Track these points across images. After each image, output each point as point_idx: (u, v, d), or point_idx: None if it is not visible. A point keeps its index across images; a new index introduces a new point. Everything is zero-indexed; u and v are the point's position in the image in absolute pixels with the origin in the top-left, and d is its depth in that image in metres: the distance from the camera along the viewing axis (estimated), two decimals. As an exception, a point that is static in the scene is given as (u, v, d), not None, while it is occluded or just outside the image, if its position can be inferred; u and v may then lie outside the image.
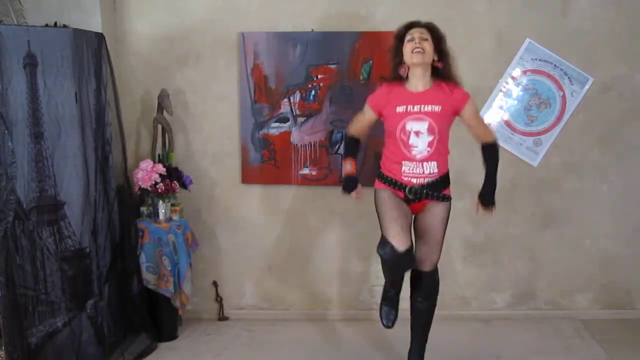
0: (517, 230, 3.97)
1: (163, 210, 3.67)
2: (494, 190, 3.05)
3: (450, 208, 3.08)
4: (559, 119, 3.84)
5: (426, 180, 2.98)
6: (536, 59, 3.77)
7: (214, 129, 3.93)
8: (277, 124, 3.87)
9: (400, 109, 2.96)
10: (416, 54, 2.89)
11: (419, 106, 2.94)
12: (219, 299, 4.08)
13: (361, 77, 3.79)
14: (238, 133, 3.90)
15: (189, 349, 3.66)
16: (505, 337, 3.77)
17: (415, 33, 2.94)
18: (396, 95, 3.01)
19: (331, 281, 4.05)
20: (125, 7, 3.81)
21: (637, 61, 3.77)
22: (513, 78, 3.80)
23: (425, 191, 2.99)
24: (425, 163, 2.97)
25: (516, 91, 3.82)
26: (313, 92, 3.82)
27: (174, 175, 3.70)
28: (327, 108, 3.84)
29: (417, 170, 2.97)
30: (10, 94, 2.87)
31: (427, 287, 3.13)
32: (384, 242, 2.93)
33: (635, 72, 3.78)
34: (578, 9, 3.72)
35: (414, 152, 2.95)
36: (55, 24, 3.41)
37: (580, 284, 4.01)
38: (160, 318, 3.71)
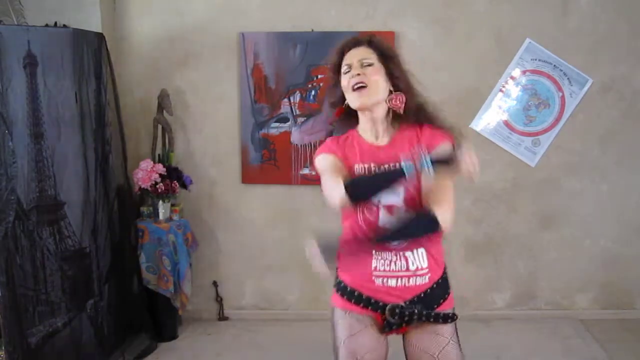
0: (517, 230, 3.97)
1: (163, 210, 3.67)
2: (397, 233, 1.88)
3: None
4: (557, 119, 3.84)
5: (412, 282, 1.90)
6: (536, 60, 3.77)
7: (214, 129, 3.92)
8: (277, 124, 3.87)
9: (359, 169, 1.93)
10: (356, 91, 1.89)
11: (386, 166, 1.90)
12: (219, 299, 4.07)
13: (361, 77, 3.78)
14: (238, 133, 3.90)
15: (189, 349, 3.66)
16: (505, 337, 3.77)
17: (353, 58, 1.93)
18: (351, 147, 1.97)
19: (331, 281, 4.04)
20: (125, 7, 3.81)
21: (637, 61, 3.77)
22: (512, 78, 3.80)
23: (416, 312, 1.89)
24: (408, 253, 1.89)
25: (515, 91, 3.82)
26: (313, 92, 3.82)
27: (174, 175, 3.70)
28: (327, 108, 3.82)
29: (396, 266, 1.89)
30: (10, 94, 2.87)
31: None
32: None
33: (635, 72, 3.78)
34: (578, 9, 3.72)
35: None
36: (55, 24, 3.41)
37: (580, 284, 4.01)
38: (160, 318, 3.71)
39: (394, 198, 1.88)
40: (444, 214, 1.82)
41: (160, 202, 3.66)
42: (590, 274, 4.00)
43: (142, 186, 3.59)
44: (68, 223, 3.13)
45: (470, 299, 4.05)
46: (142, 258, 3.59)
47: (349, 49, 1.97)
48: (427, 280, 1.92)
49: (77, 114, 3.13)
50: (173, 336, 3.79)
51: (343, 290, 1.98)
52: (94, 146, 3.27)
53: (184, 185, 3.75)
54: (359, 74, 1.90)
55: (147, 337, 3.68)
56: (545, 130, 3.84)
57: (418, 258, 1.90)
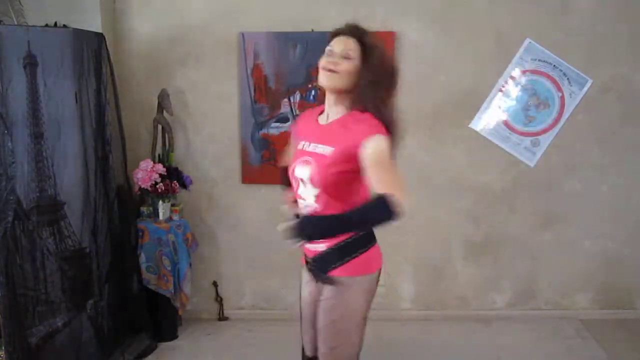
0: (517, 230, 3.97)
1: (163, 210, 3.67)
2: (324, 228, 1.99)
3: (353, 292, 2.15)
4: (557, 119, 3.83)
5: (312, 247, 2.20)
6: (536, 59, 3.77)
7: (214, 129, 3.92)
8: (277, 124, 3.87)
9: (299, 145, 2.22)
10: (324, 72, 2.10)
11: (313, 144, 2.15)
12: (219, 299, 4.08)
13: (361, 77, 3.78)
14: (238, 133, 3.90)
15: (189, 349, 3.66)
16: (505, 337, 3.77)
17: (337, 45, 2.11)
18: (305, 124, 2.29)
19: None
20: (125, 7, 3.81)
21: (637, 61, 3.77)
22: (512, 78, 3.80)
23: (313, 267, 2.22)
24: None
25: (515, 91, 3.82)
26: (313, 92, 3.82)
27: (174, 175, 3.70)
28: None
29: None
30: (10, 94, 2.86)
31: None
32: None
33: (635, 72, 3.78)
34: (578, 9, 3.72)
35: (301, 205, 2.19)
36: (55, 24, 3.41)
37: (580, 284, 4.01)
38: (160, 318, 3.71)
39: (303, 172, 2.13)
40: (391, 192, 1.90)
41: (160, 202, 3.66)
42: (590, 274, 4.00)
43: (142, 186, 3.59)
44: (68, 223, 3.13)
45: (470, 299, 4.06)
46: (142, 258, 3.59)
47: (339, 35, 2.14)
48: (323, 247, 2.16)
49: (77, 114, 3.13)
50: (173, 336, 3.79)
51: None
52: (94, 146, 3.26)
53: (184, 185, 3.75)
54: (333, 62, 2.08)
55: (147, 337, 3.68)
56: (544, 131, 3.84)
57: None
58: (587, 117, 3.82)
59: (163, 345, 3.69)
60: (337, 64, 2.08)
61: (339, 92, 2.12)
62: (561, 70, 3.78)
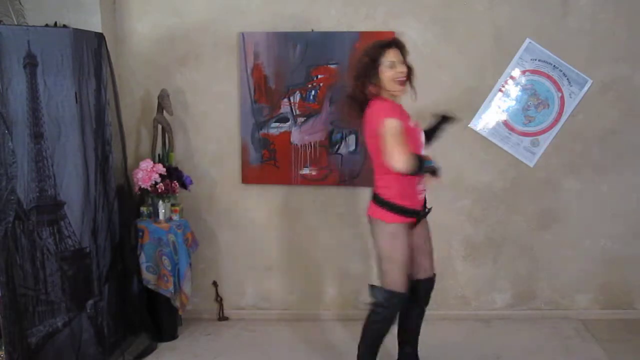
0: (517, 230, 3.97)
1: (163, 210, 3.67)
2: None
3: (378, 231, 2.94)
4: (556, 119, 3.84)
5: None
6: (535, 60, 3.77)
7: (214, 129, 3.92)
8: (277, 124, 3.87)
9: (411, 124, 2.97)
10: (400, 83, 2.81)
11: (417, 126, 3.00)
12: (219, 299, 4.08)
13: (361, 77, 3.78)
14: (238, 133, 3.90)
15: (189, 349, 3.66)
16: (505, 337, 3.77)
17: (394, 57, 2.79)
18: (402, 112, 2.96)
19: (331, 281, 4.05)
20: (125, 7, 3.81)
21: (637, 61, 3.77)
22: (512, 78, 3.80)
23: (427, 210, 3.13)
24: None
25: (515, 91, 3.82)
26: (313, 92, 3.82)
27: (174, 175, 3.70)
28: (327, 108, 3.84)
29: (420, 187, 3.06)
30: (10, 94, 2.87)
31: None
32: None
33: (635, 72, 3.78)
34: (578, 9, 3.72)
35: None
36: (55, 24, 3.41)
37: (580, 284, 4.01)
38: (160, 318, 3.71)
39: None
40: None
41: (160, 202, 3.66)
42: (590, 274, 4.00)
43: (142, 186, 3.59)
44: (68, 223, 3.13)
45: (470, 299, 4.06)
46: (142, 258, 3.59)
47: (390, 48, 2.78)
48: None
49: (77, 114, 3.13)
50: (173, 336, 3.79)
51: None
52: (94, 146, 3.27)
53: (184, 185, 3.75)
54: (402, 71, 2.79)
55: (147, 337, 3.68)
56: (544, 131, 3.84)
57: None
58: (587, 117, 3.82)
59: (163, 345, 3.69)
60: (404, 72, 2.79)
61: None
62: (561, 71, 3.78)
